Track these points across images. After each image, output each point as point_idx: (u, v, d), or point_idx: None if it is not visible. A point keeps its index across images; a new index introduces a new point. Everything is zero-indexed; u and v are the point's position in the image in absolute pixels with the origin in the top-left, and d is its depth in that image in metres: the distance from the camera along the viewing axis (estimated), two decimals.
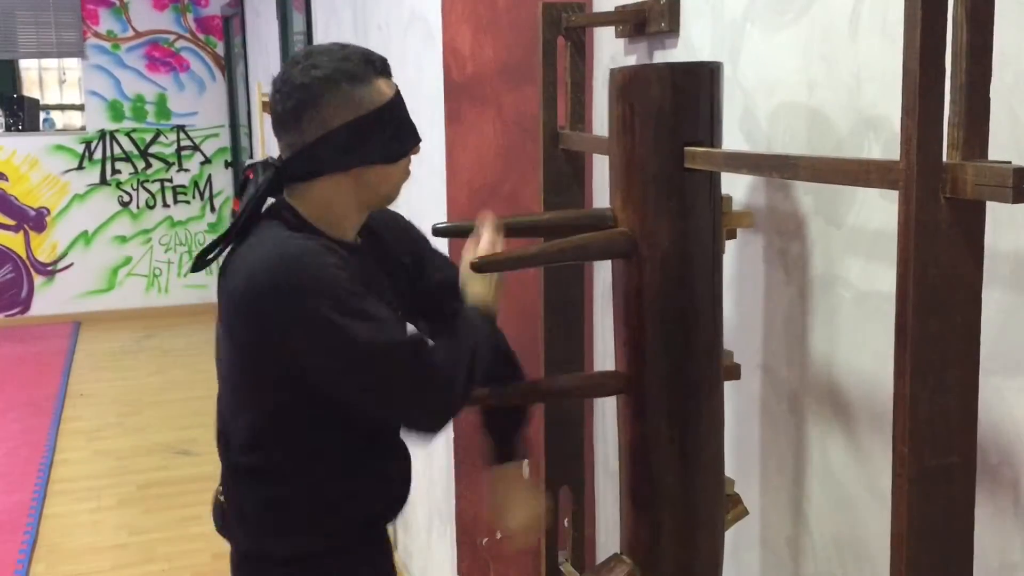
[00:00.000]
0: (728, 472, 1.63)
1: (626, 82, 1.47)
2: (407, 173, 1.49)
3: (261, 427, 1.47)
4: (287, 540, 1.51)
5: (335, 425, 1.46)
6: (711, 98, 1.45)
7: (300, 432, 1.46)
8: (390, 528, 3.44)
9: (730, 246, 1.72)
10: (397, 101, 1.44)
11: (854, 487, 1.49)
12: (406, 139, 1.45)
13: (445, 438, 2.51)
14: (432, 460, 2.70)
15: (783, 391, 1.65)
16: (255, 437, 1.47)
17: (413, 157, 1.49)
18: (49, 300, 7.24)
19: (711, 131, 1.45)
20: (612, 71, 1.51)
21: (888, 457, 1.34)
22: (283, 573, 1.52)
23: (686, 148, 1.43)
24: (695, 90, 1.44)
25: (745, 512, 1.65)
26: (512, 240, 1.55)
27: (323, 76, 1.38)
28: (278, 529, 1.51)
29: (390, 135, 1.42)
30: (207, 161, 7.54)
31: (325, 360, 1.36)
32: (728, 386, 1.65)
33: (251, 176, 1.47)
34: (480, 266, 1.42)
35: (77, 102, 7.58)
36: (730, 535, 1.68)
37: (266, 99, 3.49)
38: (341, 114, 1.38)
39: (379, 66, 1.43)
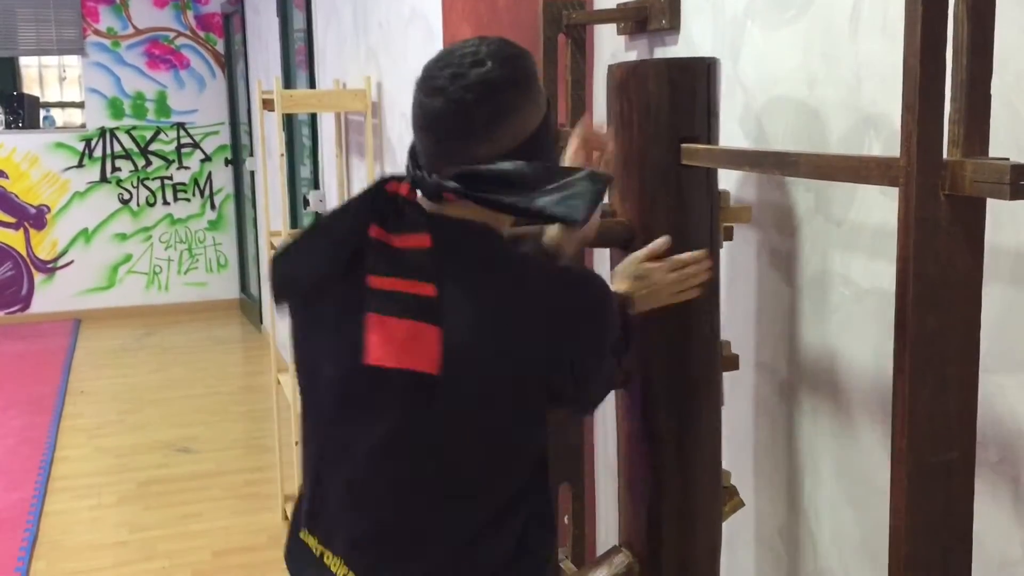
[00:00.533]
0: (727, 467, 1.64)
1: (623, 77, 1.49)
2: None
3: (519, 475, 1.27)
4: None
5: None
6: (707, 93, 1.46)
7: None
8: None
9: (729, 242, 1.72)
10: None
11: (852, 482, 1.49)
12: (553, 141, 1.31)
13: None
14: None
15: (782, 387, 1.66)
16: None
17: None
18: (49, 298, 7.24)
19: (708, 126, 1.47)
20: (610, 67, 1.53)
21: (886, 452, 1.34)
22: None
23: (685, 144, 1.44)
24: (691, 85, 1.45)
25: (741, 504, 1.66)
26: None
27: (513, 78, 1.20)
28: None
29: (553, 133, 1.29)
30: (207, 159, 7.54)
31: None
32: (727, 383, 1.65)
33: (403, 193, 1.22)
34: None
35: (77, 100, 7.58)
36: (727, 528, 1.68)
37: (267, 96, 3.48)
38: (533, 119, 1.22)
39: (533, 65, 1.26)
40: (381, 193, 1.22)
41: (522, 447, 1.25)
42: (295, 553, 1.36)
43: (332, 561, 1.27)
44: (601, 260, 2.20)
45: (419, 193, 1.23)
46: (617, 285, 1.43)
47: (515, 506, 1.25)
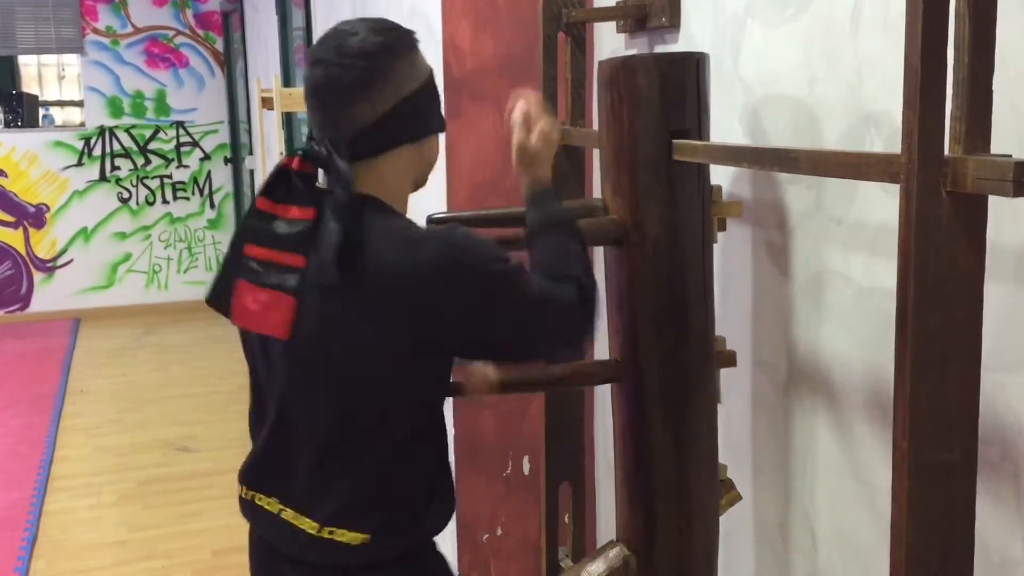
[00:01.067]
0: (725, 464, 1.63)
1: (614, 72, 1.50)
2: (435, 149, 1.46)
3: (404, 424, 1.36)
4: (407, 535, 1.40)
5: (439, 419, 1.42)
6: (698, 87, 1.47)
7: (428, 425, 1.40)
8: None
9: (725, 238, 1.72)
10: (432, 76, 1.41)
11: (851, 479, 1.49)
12: (438, 114, 1.43)
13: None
14: None
15: (782, 385, 1.65)
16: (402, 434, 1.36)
17: None
18: (49, 297, 7.24)
19: (699, 120, 1.48)
20: (600, 62, 1.54)
21: (887, 450, 1.34)
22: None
23: (681, 141, 1.45)
24: (681, 79, 1.46)
25: (738, 497, 1.66)
26: (508, 229, 1.56)
27: (386, 44, 1.31)
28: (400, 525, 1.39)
29: (439, 103, 1.41)
30: (206, 157, 7.53)
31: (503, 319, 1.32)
32: (726, 380, 1.65)
33: (297, 167, 1.31)
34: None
35: (76, 98, 7.58)
36: (726, 524, 1.68)
37: (267, 95, 3.48)
38: (410, 81, 1.33)
39: (412, 39, 1.38)
40: (278, 169, 1.33)
41: (406, 402, 1.33)
42: (243, 506, 1.48)
43: (264, 501, 1.41)
44: (596, 261, 2.19)
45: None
46: (524, 182, 1.47)
47: (413, 450, 1.36)
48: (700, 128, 1.48)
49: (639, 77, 1.46)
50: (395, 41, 1.32)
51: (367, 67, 1.29)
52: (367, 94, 1.29)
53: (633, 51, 2.08)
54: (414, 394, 1.35)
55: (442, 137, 2.36)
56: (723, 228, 1.64)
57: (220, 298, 1.37)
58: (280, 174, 1.32)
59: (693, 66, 1.47)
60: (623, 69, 1.48)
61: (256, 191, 1.35)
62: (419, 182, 1.45)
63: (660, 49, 1.96)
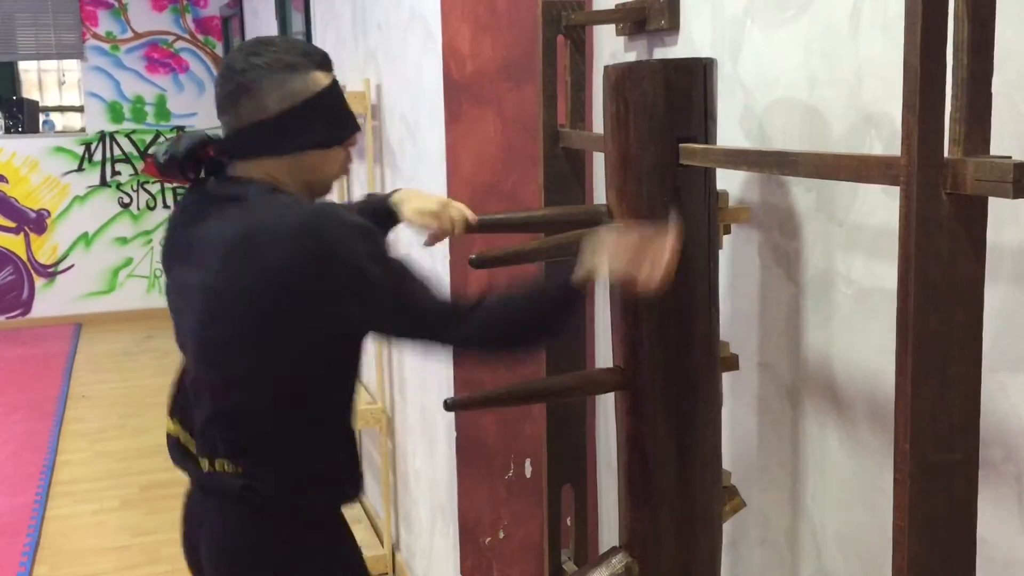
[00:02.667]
0: (728, 467, 1.63)
1: (619, 78, 1.48)
2: (345, 163, 1.55)
3: (279, 398, 1.49)
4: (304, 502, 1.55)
5: (328, 394, 1.54)
6: (704, 93, 1.46)
7: (310, 400, 1.51)
8: (391, 526, 3.43)
9: (730, 242, 1.72)
10: (332, 91, 1.50)
11: (858, 483, 1.49)
12: (341, 128, 1.52)
13: (448, 438, 2.51)
14: (434, 459, 2.70)
15: (783, 387, 1.65)
16: (276, 408, 1.50)
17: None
18: (50, 302, 7.24)
19: (705, 126, 1.46)
20: (606, 68, 1.52)
21: (889, 452, 1.34)
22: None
23: (683, 145, 1.44)
24: (688, 86, 1.45)
25: (742, 504, 1.66)
26: (511, 236, 1.56)
27: (262, 64, 1.45)
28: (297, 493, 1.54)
29: (324, 123, 1.49)
30: None
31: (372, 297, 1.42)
32: (729, 382, 1.65)
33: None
34: (477, 262, 1.43)
35: (77, 104, 7.58)
36: (729, 528, 1.68)
37: None
38: (276, 102, 1.45)
39: (318, 59, 1.50)
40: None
41: (286, 364, 1.45)
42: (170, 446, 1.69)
43: (188, 441, 1.61)
44: None
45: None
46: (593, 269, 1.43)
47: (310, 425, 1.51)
48: (706, 135, 1.46)
49: (645, 83, 1.45)
50: (274, 63, 1.46)
51: (236, 84, 1.46)
52: (233, 109, 1.47)
53: (632, 53, 2.08)
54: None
55: (441, 141, 2.38)
56: (728, 232, 1.63)
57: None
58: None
59: (700, 72, 1.45)
60: (629, 75, 1.47)
61: None
62: (314, 190, 1.54)
63: (659, 51, 1.96)
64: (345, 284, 1.39)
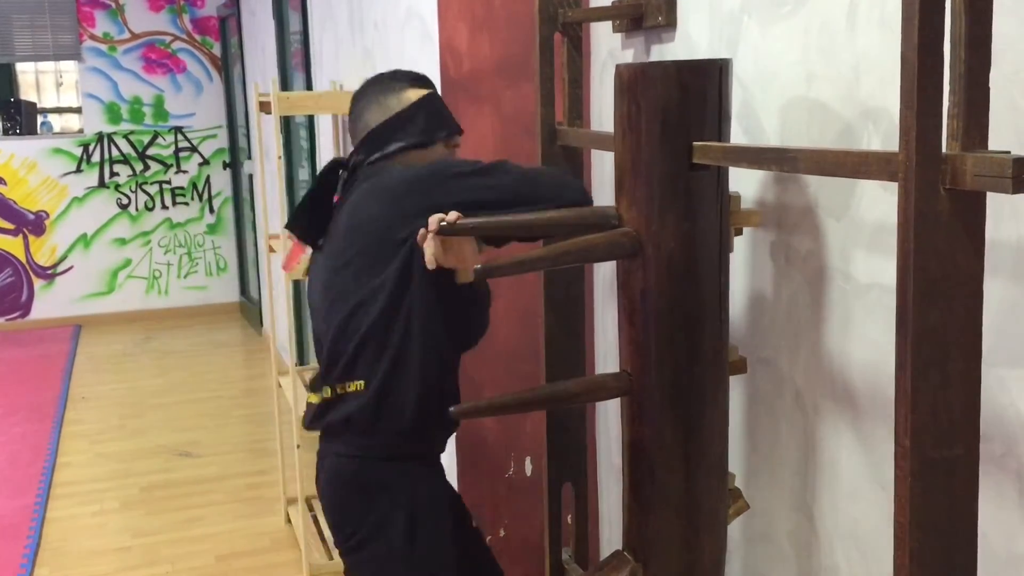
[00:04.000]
0: (733, 467, 1.63)
1: (632, 80, 1.43)
2: (449, 156, 1.88)
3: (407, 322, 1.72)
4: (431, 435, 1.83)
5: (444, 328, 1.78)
6: (719, 96, 1.41)
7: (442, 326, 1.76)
8: None
9: (735, 241, 1.71)
10: (423, 103, 1.87)
11: (859, 480, 1.49)
12: (435, 130, 1.86)
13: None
14: None
15: (787, 385, 1.65)
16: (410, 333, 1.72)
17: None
18: (49, 304, 7.23)
19: (719, 130, 1.42)
20: (617, 67, 1.48)
21: (890, 448, 1.34)
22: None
23: (697, 143, 1.39)
24: (702, 88, 1.40)
25: (746, 507, 1.65)
26: (514, 245, 1.55)
27: (365, 91, 1.91)
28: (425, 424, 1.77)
29: (420, 127, 1.85)
30: (205, 162, 7.53)
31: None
32: (733, 381, 1.65)
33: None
34: (484, 272, 1.41)
35: (74, 105, 7.57)
36: (735, 529, 1.68)
37: (264, 99, 3.49)
38: (396, 105, 1.87)
39: (408, 79, 1.90)
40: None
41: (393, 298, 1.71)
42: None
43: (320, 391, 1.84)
44: (602, 264, 2.19)
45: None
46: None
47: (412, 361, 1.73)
48: (720, 139, 1.42)
49: (659, 86, 1.40)
50: (372, 83, 1.92)
51: (356, 102, 1.92)
52: (355, 120, 1.91)
53: (630, 50, 2.08)
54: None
55: None
56: (739, 234, 1.61)
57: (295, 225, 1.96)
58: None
59: (716, 75, 1.41)
60: (642, 77, 1.42)
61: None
62: None
63: (657, 48, 1.96)
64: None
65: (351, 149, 1.91)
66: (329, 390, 1.78)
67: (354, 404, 1.75)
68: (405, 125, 1.84)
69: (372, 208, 1.73)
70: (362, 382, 1.74)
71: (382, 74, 1.92)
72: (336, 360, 1.77)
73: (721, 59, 1.45)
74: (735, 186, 1.71)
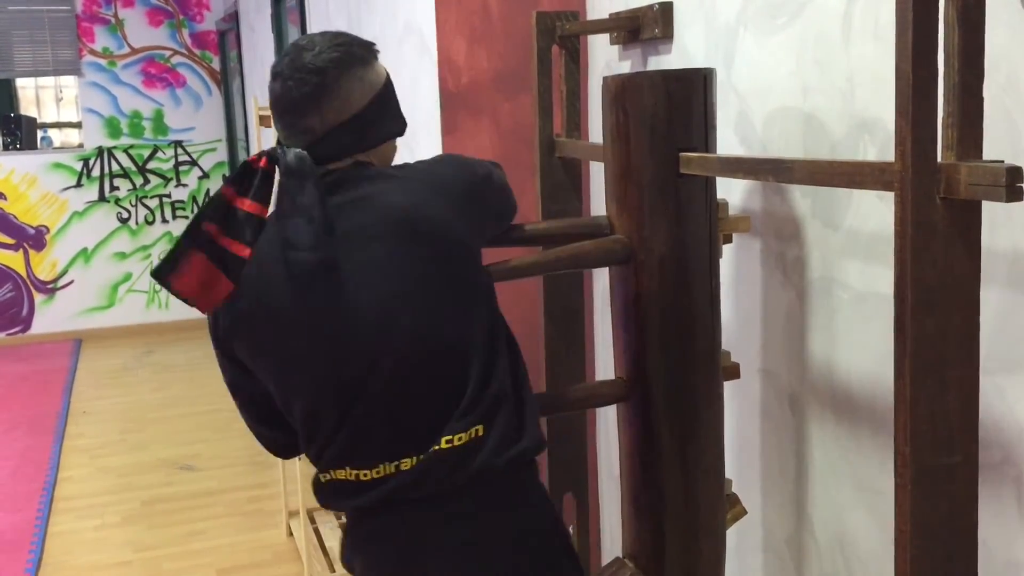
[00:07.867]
0: (730, 474, 1.63)
1: (619, 90, 1.48)
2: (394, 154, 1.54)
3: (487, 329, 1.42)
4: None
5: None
6: (704, 104, 1.45)
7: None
8: None
9: (728, 250, 1.72)
10: (390, 79, 1.48)
11: (856, 487, 1.49)
12: (401, 115, 1.50)
13: None
14: None
15: (783, 393, 1.65)
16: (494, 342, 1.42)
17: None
18: (50, 318, 7.24)
19: (705, 137, 1.46)
20: (605, 79, 1.52)
21: (890, 456, 1.34)
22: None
23: (681, 154, 1.44)
24: (688, 96, 1.44)
25: (744, 512, 1.66)
26: (510, 250, 1.56)
27: (337, 59, 1.38)
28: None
29: (396, 111, 1.48)
30: (205, 176, 7.54)
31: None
32: (729, 389, 1.65)
33: (263, 165, 1.36)
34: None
35: (74, 120, 7.59)
36: (732, 536, 1.68)
37: (264, 113, 3.49)
38: (359, 97, 1.40)
39: (374, 47, 1.46)
40: (245, 164, 1.38)
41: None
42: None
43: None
44: (600, 273, 2.20)
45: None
46: None
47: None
48: (707, 145, 1.46)
49: (645, 94, 1.44)
50: (346, 56, 1.39)
51: (318, 83, 1.37)
52: (317, 108, 1.38)
53: (627, 63, 2.09)
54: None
55: (438, 150, 2.38)
56: (728, 241, 1.63)
57: (161, 272, 1.41)
58: (246, 170, 1.37)
59: (700, 83, 1.45)
60: (629, 86, 1.46)
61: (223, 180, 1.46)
62: None
63: (654, 60, 1.97)
64: None
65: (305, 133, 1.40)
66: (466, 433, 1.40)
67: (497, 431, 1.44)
68: (387, 108, 1.45)
69: (438, 209, 1.38)
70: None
71: (332, 37, 1.41)
72: (463, 390, 1.38)
73: (705, 68, 1.49)
74: (729, 196, 1.72)
